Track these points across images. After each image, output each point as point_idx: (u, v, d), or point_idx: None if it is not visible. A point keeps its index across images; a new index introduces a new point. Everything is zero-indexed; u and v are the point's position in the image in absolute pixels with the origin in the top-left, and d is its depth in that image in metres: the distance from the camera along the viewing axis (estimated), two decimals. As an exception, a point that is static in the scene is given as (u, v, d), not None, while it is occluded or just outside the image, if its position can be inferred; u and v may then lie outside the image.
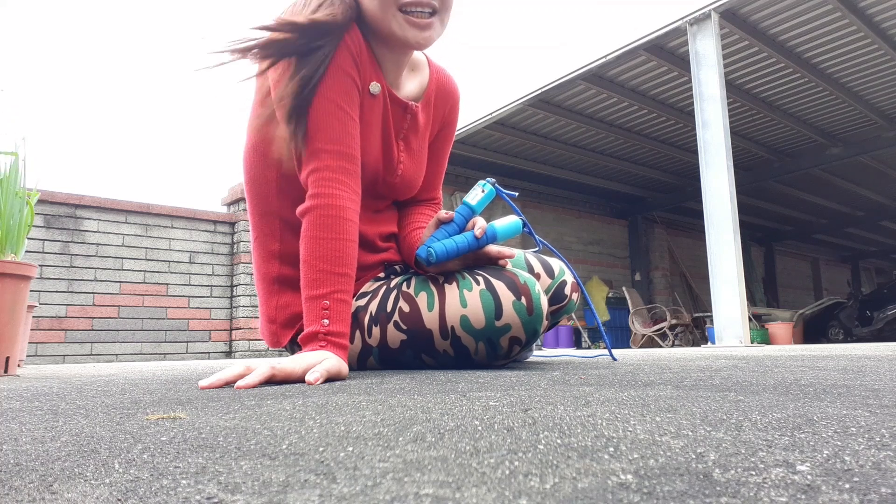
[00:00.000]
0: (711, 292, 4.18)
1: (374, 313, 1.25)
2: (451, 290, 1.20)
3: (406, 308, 1.22)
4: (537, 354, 2.24)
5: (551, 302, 1.42)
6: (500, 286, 1.17)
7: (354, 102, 1.18)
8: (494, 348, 1.19)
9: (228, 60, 1.09)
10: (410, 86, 1.37)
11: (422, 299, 1.22)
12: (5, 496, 0.32)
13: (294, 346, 1.32)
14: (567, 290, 1.45)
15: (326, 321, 1.03)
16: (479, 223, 1.22)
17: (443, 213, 1.24)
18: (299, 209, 1.14)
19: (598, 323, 1.39)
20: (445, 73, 1.45)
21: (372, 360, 1.29)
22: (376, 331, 1.25)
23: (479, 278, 1.20)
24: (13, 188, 1.76)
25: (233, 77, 1.12)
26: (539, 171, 7.86)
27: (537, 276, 1.42)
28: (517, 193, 1.31)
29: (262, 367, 0.93)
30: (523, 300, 1.16)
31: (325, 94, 1.14)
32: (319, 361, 0.97)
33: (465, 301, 1.18)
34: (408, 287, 1.25)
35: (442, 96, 1.42)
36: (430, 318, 1.20)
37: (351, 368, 1.30)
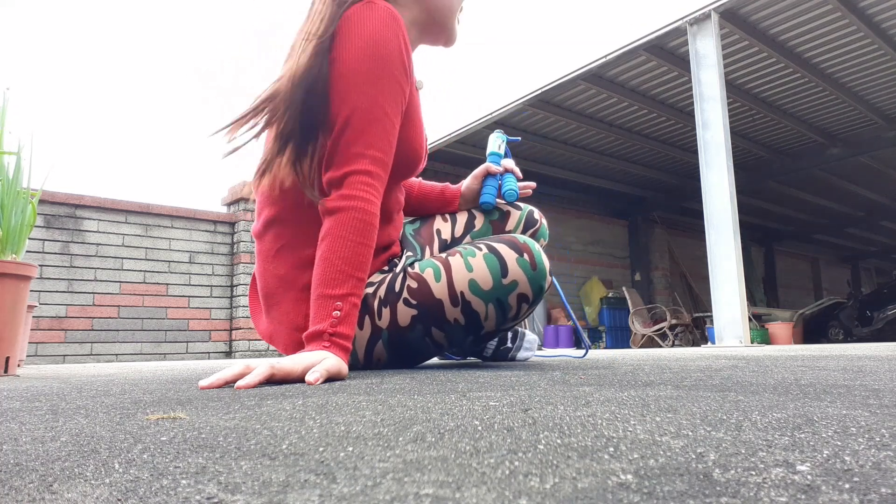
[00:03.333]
0: (711, 292, 4.18)
1: (382, 297, 1.26)
2: (456, 260, 1.24)
3: (414, 284, 1.24)
4: (538, 354, 2.24)
5: (526, 227, 1.57)
6: (501, 247, 1.23)
7: (400, 109, 1.18)
8: (504, 309, 1.23)
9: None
10: None
11: (428, 274, 1.24)
12: (5, 496, 0.32)
13: None
14: (536, 216, 1.60)
15: (336, 322, 1.03)
16: (510, 165, 1.61)
17: (493, 167, 1.56)
18: (328, 204, 1.11)
19: (572, 318, 1.43)
20: None
21: (380, 346, 1.28)
22: (386, 312, 1.25)
23: (481, 245, 1.25)
24: (16, 188, 1.76)
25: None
26: (539, 171, 7.86)
27: (508, 213, 1.58)
28: (520, 139, 1.75)
29: (262, 366, 0.93)
30: (526, 256, 1.21)
31: (375, 100, 1.13)
32: (319, 361, 0.96)
33: (470, 266, 1.22)
34: (413, 268, 1.28)
35: None
36: (439, 289, 1.23)
37: (355, 363, 1.30)
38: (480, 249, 1.23)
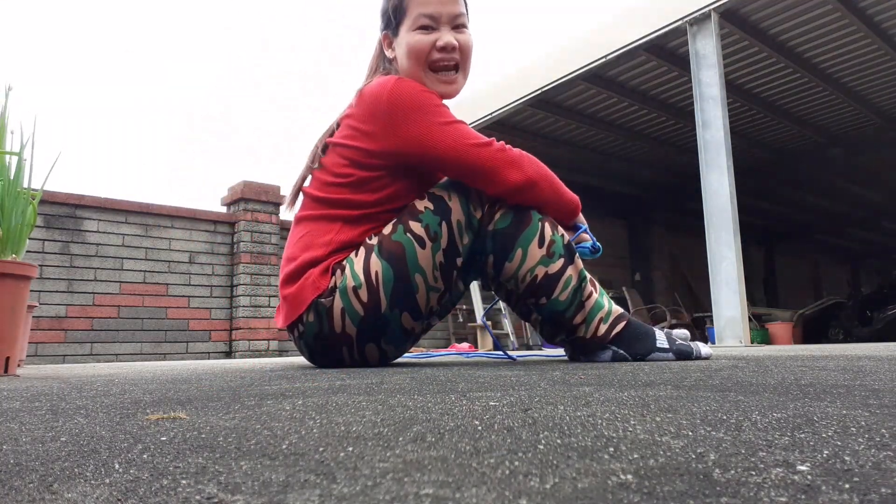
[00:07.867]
0: (711, 293, 4.17)
1: (369, 238, 1.47)
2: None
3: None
4: (538, 354, 2.24)
5: None
6: None
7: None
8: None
9: None
10: None
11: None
12: (5, 496, 0.32)
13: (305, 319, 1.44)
14: None
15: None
16: None
17: None
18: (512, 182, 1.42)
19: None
20: None
21: (374, 258, 1.40)
22: (375, 237, 1.42)
23: None
24: (16, 188, 1.76)
25: None
26: (539, 171, 7.84)
27: None
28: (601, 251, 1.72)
29: None
30: None
31: (445, 120, 1.40)
32: None
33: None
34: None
35: None
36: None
37: (357, 284, 1.41)
38: None
